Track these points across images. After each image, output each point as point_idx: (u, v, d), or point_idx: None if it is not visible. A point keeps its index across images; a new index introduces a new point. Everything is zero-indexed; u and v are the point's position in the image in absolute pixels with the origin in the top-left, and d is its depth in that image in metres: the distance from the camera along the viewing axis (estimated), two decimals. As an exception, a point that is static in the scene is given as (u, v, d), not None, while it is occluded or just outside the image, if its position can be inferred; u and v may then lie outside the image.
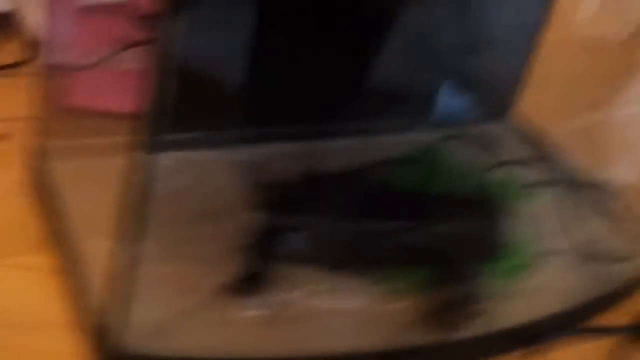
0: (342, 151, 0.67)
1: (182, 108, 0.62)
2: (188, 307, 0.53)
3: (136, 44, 0.68)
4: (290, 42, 0.69)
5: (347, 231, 0.57)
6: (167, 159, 0.65)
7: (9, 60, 0.77)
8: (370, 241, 0.57)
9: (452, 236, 0.58)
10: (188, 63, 0.61)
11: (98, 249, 0.53)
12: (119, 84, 0.64)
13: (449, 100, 0.80)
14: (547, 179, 0.71)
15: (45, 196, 0.62)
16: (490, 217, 0.60)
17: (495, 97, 0.84)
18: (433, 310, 0.56)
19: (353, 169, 0.62)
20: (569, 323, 0.61)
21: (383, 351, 0.54)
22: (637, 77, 0.70)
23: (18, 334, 0.51)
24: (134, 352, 0.49)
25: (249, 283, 0.54)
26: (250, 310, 0.54)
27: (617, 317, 0.64)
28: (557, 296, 0.63)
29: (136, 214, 0.48)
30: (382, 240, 0.57)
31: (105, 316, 0.50)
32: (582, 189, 0.75)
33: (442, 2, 0.76)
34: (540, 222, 0.69)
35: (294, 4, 0.69)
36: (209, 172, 0.63)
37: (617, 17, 0.75)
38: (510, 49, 0.81)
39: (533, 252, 0.62)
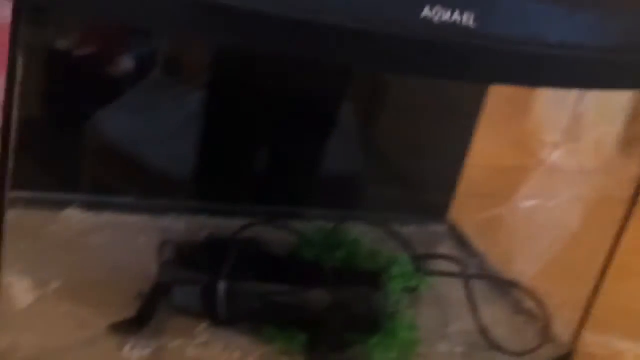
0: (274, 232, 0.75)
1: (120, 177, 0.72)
2: (76, 340, 0.61)
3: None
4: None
5: (235, 291, 0.64)
6: (94, 218, 0.75)
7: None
8: (254, 302, 0.64)
9: (335, 307, 0.64)
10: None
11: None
12: None
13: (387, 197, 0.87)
14: (451, 272, 0.77)
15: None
16: (379, 296, 0.66)
17: (434, 198, 0.92)
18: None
19: (257, 240, 0.70)
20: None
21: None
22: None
23: None
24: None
25: (133, 326, 0.62)
26: (131, 351, 0.61)
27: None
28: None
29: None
30: (266, 302, 0.64)
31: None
32: (492, 283, 0.81)
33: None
34: (439, 309, 0.75)
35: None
36: (130, 233, 0.72)
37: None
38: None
39: (418, 334, 0.68)
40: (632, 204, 0.67)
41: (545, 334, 0.72)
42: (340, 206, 0.85)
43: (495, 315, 0.75)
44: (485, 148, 0.85)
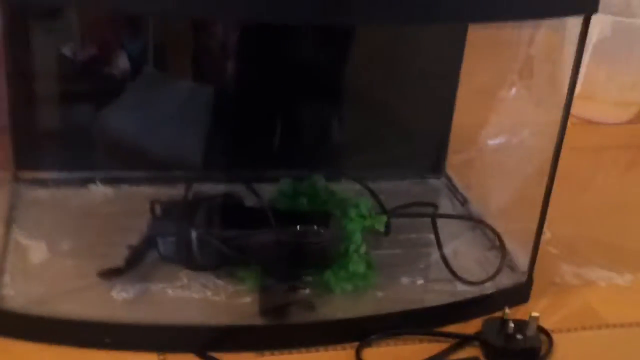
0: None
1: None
2: (74, 287, 0.73)
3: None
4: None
5: (207, 239, 0.74)
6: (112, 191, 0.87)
7: None
8: (221, 247, 0.74)
9: (285, 244, 0.73)
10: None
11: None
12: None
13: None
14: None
15: None
16: (331, 234, 0.74)
17: (432, 154, 0.98)
18: (267, 302, 0.72)
19: (234, 195, 0.80)
20: (396, 325, 0.73)
21: (219, 328, 0.70)
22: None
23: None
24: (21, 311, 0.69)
25: (119, 273, 0.73)
26: (119, 292, 0.72)
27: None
28: (392, 302, 0.75)
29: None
30: (230, 246, 0.74)
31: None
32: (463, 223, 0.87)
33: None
34: (407, 249, 0.82)
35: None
36: (141, 202, 0.82)
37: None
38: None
39: (373, 268, 0.76)
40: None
41: (502, 264, 0.78)
42: (338, 166, 0.93)
43: (460, 251, 0.81)
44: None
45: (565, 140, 1.14)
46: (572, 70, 0.70)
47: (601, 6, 1.19)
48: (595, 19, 1.14)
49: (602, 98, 1.18)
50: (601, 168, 1.07)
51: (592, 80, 1.16)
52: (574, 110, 1.19)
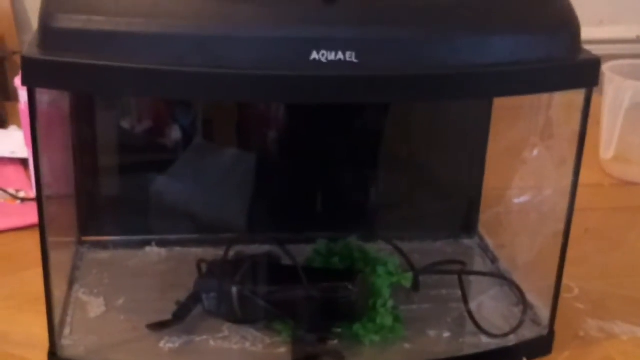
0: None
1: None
2: (127, 339, 0.80)
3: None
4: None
5: (246, 294, 0.81)
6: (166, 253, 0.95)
7: None
8: (259, 302, 0.80)
9: (315, 300, 0.79)
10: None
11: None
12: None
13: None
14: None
15: None
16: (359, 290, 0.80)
17: (466, 215, 1.03)
18: (300, 352, 0.77)
19: (272, 254, 0.86)
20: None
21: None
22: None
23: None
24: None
25: (167, 326, 0.80)
26: (166, 343, 0.79)
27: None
28: (419, 353, 0.80)
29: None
30: (267, 301, 0.80)
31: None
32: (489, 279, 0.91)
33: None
34: (434, 304, 0.87)
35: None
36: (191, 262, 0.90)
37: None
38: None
39: (400, 321, 0.81)
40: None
41: (523, 317, 0.82)
42: (374, 228, 0.99)
43: (487, 306, 0.85)
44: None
45: (601, 200, 1.18)
46: (579, 137, 0.75)
47: (634, 73, 1.24)
48: (627, 85, 1.20)
49: (637, 160, 1.21)
50: (635, 227, 1.10)
51: (627, 143, 1.20)
52: (611, 171, 1.24)
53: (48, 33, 0.64)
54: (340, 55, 0.64)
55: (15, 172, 1.17)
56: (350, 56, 0.64)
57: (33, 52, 0.64)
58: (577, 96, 0.75)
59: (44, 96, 0.72)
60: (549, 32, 0.68)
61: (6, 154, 1.20)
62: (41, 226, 0.71)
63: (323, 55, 0.64)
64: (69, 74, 0.63)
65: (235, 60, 0.63)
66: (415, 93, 0.67)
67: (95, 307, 0.85)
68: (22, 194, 1.11)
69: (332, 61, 0.64)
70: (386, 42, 0.65)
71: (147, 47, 0.62)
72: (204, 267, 0.86)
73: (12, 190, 1.11)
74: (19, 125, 1.21)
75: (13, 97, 1.46)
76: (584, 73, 0.70)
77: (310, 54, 0.64)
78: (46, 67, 0.64)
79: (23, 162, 1.19)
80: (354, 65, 0.65)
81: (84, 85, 0.65)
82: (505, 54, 0.68)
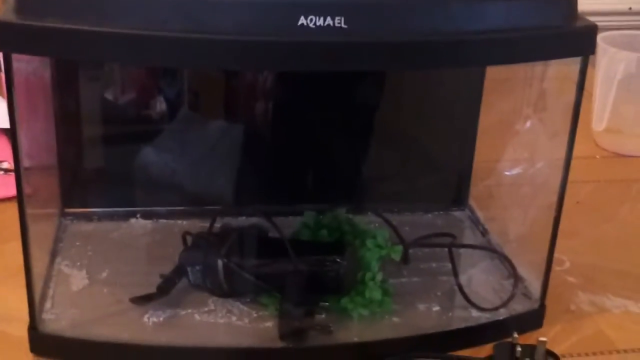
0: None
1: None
2: (111, 312, 0.79)
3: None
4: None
5: (232, 267, 0.79)
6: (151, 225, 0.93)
7: None
8: (245, 275, 0.79)
9: (311, 272, 0.77)
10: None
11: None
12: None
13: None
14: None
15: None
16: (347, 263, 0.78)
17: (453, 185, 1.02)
18: (287, 326, 0.76)
19: (259, 226, 0.84)
20: (411, 349, 0.76)
21: (242, 350, 0.75)
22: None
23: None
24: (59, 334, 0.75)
25: (150, 299, 0.78)
26: (150, 317, 0.78)
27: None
28: (408, 327, 0.79)
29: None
30: (253, 275, 0.78)
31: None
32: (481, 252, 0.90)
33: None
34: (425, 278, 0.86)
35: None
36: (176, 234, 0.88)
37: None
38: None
39: (389, 295, 0.79)
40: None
41: (514, 291, 0.81)
42: (365, 200, 0.97)
43: (477, 279, 0.84)
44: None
45: (592, 172, 1.17)
46: (574, 106, 0.73)
47: (627, 44, 1.22)
48: (620, 56, 1.18)
49: (630, 132, 1.20)
50: (627, 200, 1.08)
51: (620, 115, 1.19)
52: (603, 143, 1.23)
53: (24, -4, 0.61)
54: (329, 21, 0.62)
55: (-1, 142, 1.15)
56: (339, 21, 0.62)
57: (9, 16, 0.62)
58: (570, 67, 0.73)
59: (23, 63, 0.70)
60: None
61: (-10, 124, 1.18)
62: (19, 197, 0.69)
63: (311, 20, 0.62)
64: (46, 38, 0.61)
65: (219, 25, 0.61)
66: (406, 61, 0.65)
67: (78, 280, 0.83)
68: (5, 165, 1.08)
69: (320, 27, 0.62)
70: (376, 7, 0.63)
71: (127, 11, 0.60)
72: (189, 239, 0.84)
73: (-6, 161, 1.09)
74: (4, 96, 1.18)
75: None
76: (581, 40, 0.68)
77: (297, 19, 0.62)
78: (23, 32, 0.61)
79: (7, 132, 1.16)
80: (343, 31, 0.62)
81: (61, 51, 0.63)
82: (499, 21, 0.66)
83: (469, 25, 0.65)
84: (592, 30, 0.68)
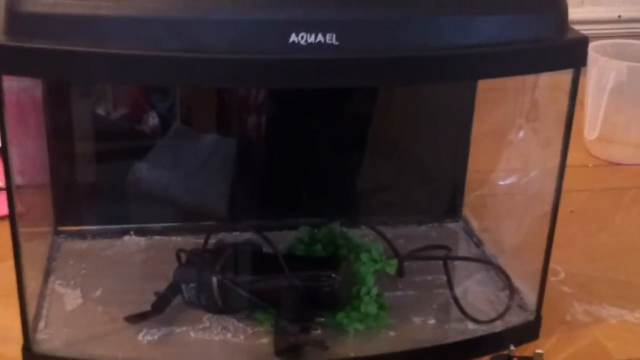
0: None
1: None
2: (105, 331, 0.78)
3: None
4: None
5: (227, 284, 0.79)
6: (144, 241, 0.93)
7: None
8: (240, 291, 0.78)
9: (306, 288, 0.77)
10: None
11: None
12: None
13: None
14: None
15: None
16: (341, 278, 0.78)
17: (450, 199, 1.01)
18: (282, 342, 0.76)
19: (253, 242, 0.84)
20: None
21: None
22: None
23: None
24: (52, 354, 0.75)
25: (144, 318, 0.78)
26: (144, 335, 0.77)
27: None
28: (405, 340, 0.78)
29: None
30: (247, 291, 0.78)
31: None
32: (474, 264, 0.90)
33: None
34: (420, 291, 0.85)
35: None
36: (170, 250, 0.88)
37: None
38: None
39: (385, 308, 0.79)
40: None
41: (510, 303, 0.81)
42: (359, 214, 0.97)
43: (473, 291, 0.84)
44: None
45: (585, 181, 1.17)
46: (567, 116, 0.73)
47: (617, 53, 1.22)
48: (610, 65, 1.18)
49: (622, 140, 1.20)
50: (620, 208, 1.09)
51: (611, 123, 1.19)
52: (595, 152, 1.23)
53: (14, 18, 0.61)
54: (320, 38, 0.62)
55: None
56: (330, 38, 0.62)
57: (-1, 38, 0.61)
58: (561, 77, 0.73)
59: (14, 82, 0.70)
60: (536, 11, 0.66)
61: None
62: (11, 216, 0.68)
63: (302, 37, 0.62)
64: (37, 60, 0.61)
65: (211, 44, 0.61)
66: (399, 76, 0.65)
67: (72, 299, 0.83)
68: (-3, 184, 1.08)
69: (311, 44, 0.62)
70: (367, 23, 0.63)
71: (118, 31, 0.60)
72: (183, 256, 0.84)
73: (-14, 180, 1.08)
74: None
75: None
76: (572, 53, 0.68)
77: (289, 36, 0.62)
78: (13, 54, 0.61)
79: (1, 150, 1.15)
80: (334, 48, 0.62)
81: (53, 72, 0.63)
82: (490, 35, 0.66)
83: (460, 39, 0.65)
84: (583, 43, 0.68)
